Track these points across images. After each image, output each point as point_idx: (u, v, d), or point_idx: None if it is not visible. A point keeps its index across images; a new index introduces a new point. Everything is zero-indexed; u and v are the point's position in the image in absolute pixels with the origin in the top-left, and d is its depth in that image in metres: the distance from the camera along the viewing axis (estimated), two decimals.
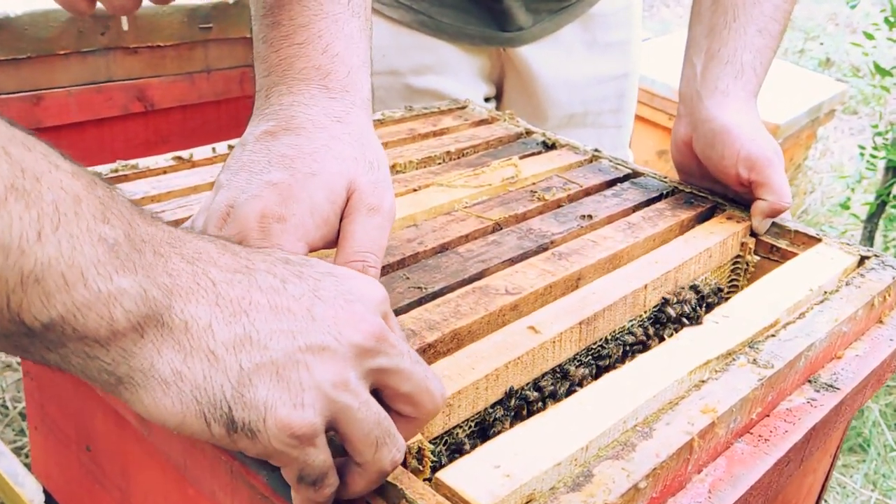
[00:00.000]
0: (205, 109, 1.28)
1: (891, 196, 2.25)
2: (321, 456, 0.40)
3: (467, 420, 0.55)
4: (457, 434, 0.55)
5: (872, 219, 2.36)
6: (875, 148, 2.21)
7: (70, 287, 0.34)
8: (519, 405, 0.58)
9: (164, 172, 0.78)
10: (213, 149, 0.83)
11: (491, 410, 0.56)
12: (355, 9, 0.60)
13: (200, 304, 0.38)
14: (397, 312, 0.61)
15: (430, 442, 0.52)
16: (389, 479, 0.44)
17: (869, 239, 2.36)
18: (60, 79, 1.28)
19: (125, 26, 1.17)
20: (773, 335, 0.63)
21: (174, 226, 0.41)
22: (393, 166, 0.87)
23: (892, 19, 2.19)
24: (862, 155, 2.26)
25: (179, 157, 0.81)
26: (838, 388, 0.64)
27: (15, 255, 0.33)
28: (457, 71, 1.16)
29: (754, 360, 0.59)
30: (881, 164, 2.36)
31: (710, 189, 0.88)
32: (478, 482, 0.44)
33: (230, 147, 0.85)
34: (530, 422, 0.51)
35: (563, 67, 1.19)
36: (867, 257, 0.78)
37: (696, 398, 0.54)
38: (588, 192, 0.87)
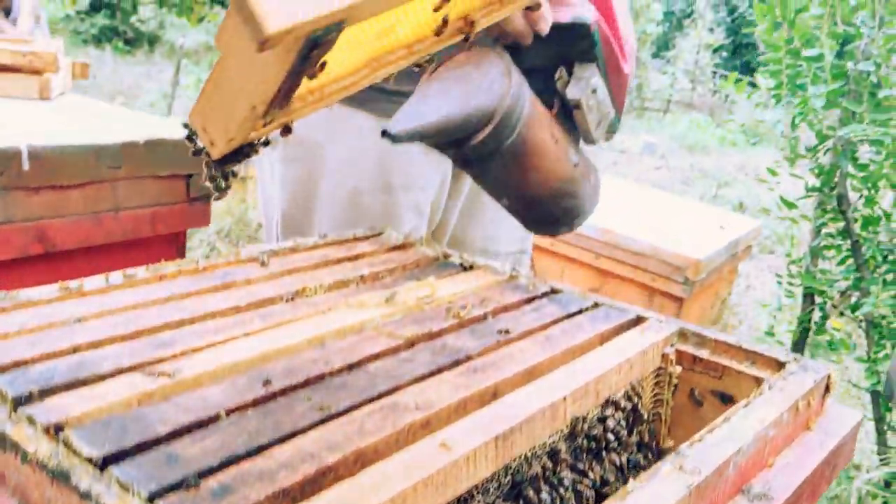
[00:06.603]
0: (112, 251, 1.22)
1: (812, 322, 2.30)
2: None
3: None
4: None
5: (797, 346, 2.39)
6: (790, 276, 2.27)
7: None
8: None
9: (49, 303, 0.73)
10: (107, 278, 0.79)
11: None
12: None
13: None
14: (294, 434, 0.55)
15: None
16: None
17: None
18: None
19: (25, 166, 1.13)
20: (698, 440, 0.59)
21: None
22: (302, 290, 0.83)
23: (791, 156, 2.33)
24: (779, 283, 2.31)
25: (67, 288, 0.75)
26: (772, 498, 0.60)
27: None
28: (431, 181, 1.12)
29: (681, 466, 0.55)
30: (798, 292, 2.42)
31: None
32: None
33: (126, 276, 0.80)
34: None
35: None
36: (786, 362, 0.76)
37: None
38: (506, 309, 0.84)
